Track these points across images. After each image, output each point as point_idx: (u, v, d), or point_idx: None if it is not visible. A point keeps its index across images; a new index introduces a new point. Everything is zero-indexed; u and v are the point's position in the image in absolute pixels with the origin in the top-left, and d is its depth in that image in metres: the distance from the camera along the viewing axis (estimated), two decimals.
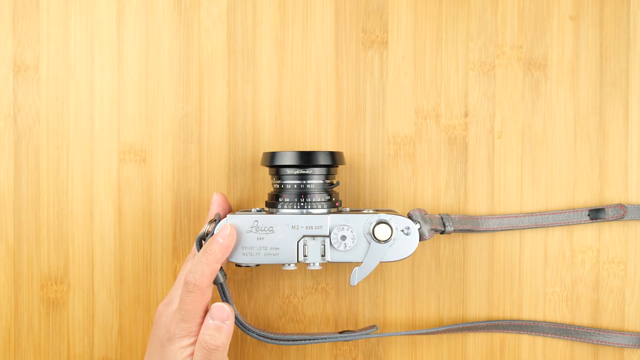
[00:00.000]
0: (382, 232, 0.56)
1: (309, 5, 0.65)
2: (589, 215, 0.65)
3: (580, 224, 0.65)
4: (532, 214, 0.65)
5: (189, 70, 0.65)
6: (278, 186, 0.58)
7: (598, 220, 0.64)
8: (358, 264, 0.57)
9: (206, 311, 0.55)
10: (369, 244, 0.56)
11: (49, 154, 0.65)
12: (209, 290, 0.55)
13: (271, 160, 0.58)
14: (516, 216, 0.65)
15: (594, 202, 0.65)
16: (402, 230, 0.57)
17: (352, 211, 0.59)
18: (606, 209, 0.64)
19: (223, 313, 0.54)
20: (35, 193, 0.65)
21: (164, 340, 0.55)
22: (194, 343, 0.54)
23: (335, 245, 0.56)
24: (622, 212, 0.64)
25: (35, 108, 0.65)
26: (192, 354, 0.54)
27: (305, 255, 0.56)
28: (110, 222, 0.65)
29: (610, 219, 0.64)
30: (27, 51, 0.65)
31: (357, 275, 0.57)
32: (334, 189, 0.60)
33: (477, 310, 0.66)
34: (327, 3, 0.65)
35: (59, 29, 0.65)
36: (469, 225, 0.63)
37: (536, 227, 0.65)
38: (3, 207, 0.65)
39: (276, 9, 0.65)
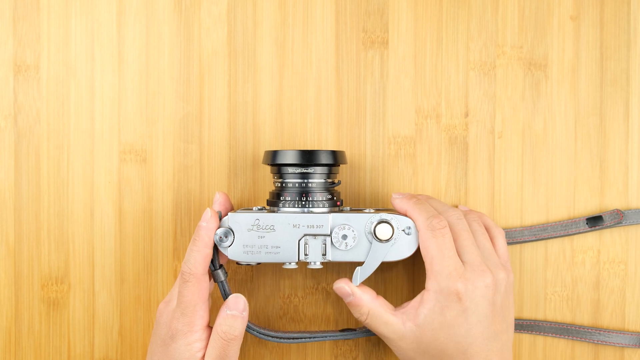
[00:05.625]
0: (383, 231, 0.56)
1: (310, 5, 0.65)
2: (587, 223, 0.65)
3: (579, 233, 0.65)
4: (531, 227, 0.65)
5: (190, 70, 0.65)
6: (279, 185, 0.58)
7: (596, 227, 0.64)
8: (359, 263, 0.57)
9: (205, 303, 0.55)
10: (370, 243, 0.57)
11: (49, 154, 0.65)
12: (205, 279, 0.55)
13: (273, 159, 0.58)
14: (515, 230, 0.65)
15: (594, 202, 0.65)
16: (403, 230, 0.57)
17: (353, 210, 0.59)
18: (604, 216, 0.65)
19: (239, 303, 0.55)
20: (35, 193, 0.65)
21: (167, 338, 0.55)
22: (200, 339, 0.55)
23: (337, 245, 0.56)
24: (619, 217, 0.64)
25: (35, 108, 0.65)
26: (201, 349, 0.55)
27: (306, 254, 0.56)
28: (110, 222, 0.65)
29: (608, 225, 0.64)
30: (28, 51, 0.65)
31: (359, 275, 0.57)
32: (335, 188, 0.60)
33: None
34: (328, 3, 0.65)
35: (59, 29, 0.65)
36: None
37: (536, 239, 0.65)
38: (3, 207, 0.65)
39: (276, 9, 0.65)
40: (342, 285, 0.57)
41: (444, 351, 0.55)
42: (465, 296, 0.54)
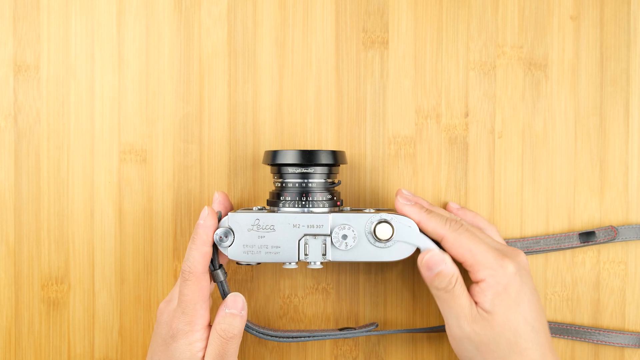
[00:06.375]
0: (383, 231, 0.56)
1: (310, 5, 0.65)
2: (579, 238, 0.65)
3: (572, 248, 0.65)
4: (524, 239, 0.65)
5: (190, 70, 0.65)
6: (280, 185, 0.58)
7: (589, 243, 0.64)
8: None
9: (206, 302, 0.56)
10: (371, 244, 0.56)
11: (49, 154, 0.65)
12: (205, 277, 0.55)
13: (273, 159, 0.58)
14: (508, 242, 0.65)
15: (594, 202, 0.65)
16: None
17: (353, 210, 0.59)
18: (596, 232, 0.64)
19: (238, 302, 0.55)
20: (35, 193, 0.65)
21: (167, 338, 0.55)
22: (201, 339, 0.55)
23: (337, 245, 0.56)
24: (613, 234, 0.64)
25: (35, 108, 0.65)
26: (202, 349, 0.55)
27: (306, 254, 0.56)
28: (110, 222, 0.65)
29: (601, 241, 0.64)
30: (28, 51, 0.65)
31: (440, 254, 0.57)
32: (335, 188, 0.60)
33: None
34: (328, 3, 0.65)
35: (59, 29, 0.65)
36: None
37: (528, 252, 0.65)
38: (3, 207, 0.65)
39: (277, 9, 0.65)
40: (432, 254, 0.56)
41: (517, 331, 0.54)
42: (517, 271, 0.55)
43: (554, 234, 0.65)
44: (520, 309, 0.55)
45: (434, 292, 0.56)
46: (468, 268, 0.56)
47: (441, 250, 0.56)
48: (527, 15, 0.66)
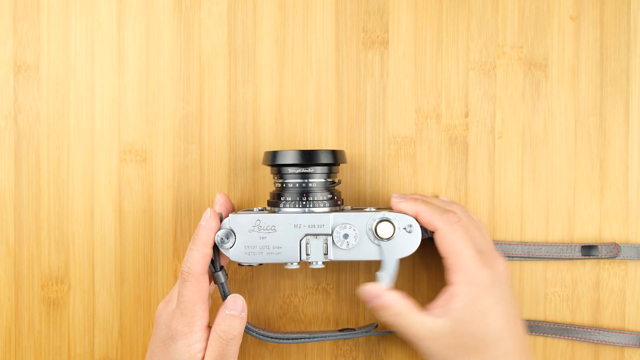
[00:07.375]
0: (384, 230, 0.56)
1: (310, 5, 0.65)
2: (581, 251, 0.65)
3: (572, 259, 0.65)
4: (525, 243, 0.65)
5: (190, 70, 0.65)
6: (280, 185, 0.58)
7: (591, 257, 0.64)
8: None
9: (205, 303, 0.55)
10: (372, 242, 0.56)
11: (49, 154, 0.65)
12: (205, 278, 0.55)
13: (273, 160, 0.58)
14: (509, 244, 0.65)
15: (594, 203, 0.65)
16: (405, 228, 0.57)
17: (354, 210, 0.59)
18: (599, 247, 0.65)
19: (238, 304, 0.56)
20: (35, 193, 0.65)
21: (166, 339, 0.55)
22: (200, 340, 0.55)
23: (338, 244, 0.56)
24: (615, 252, 0.64)
25: (35, 108, 0.65)
26: (202, 350, 0.55)
27: (307, 254, 0.56)
28: (110, 222, 0.65)
29: (603, 256, 0.64)
30: (28, 51, 0.65)
31: (384, 278, 0.57)
32: (336, 187, 0.60)
33: None
34: (328, 3, 0.65)
35: (59, 29, 0.65)
36: None
37: (528, 257, 0.65)
38: (3, 207, 0.65)
39: (277, 9, 0.65)
40: (369, 288, 0.56)
41: (482, 339, 0.55)
42: (494, 283, 0.55)
43: (554, 243, 0.65)
44: (488, 320, 0.55)
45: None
46: (448, 266, 0.56)
47: (387, 282, 0.56)
48: (527, 15, 0.66)
